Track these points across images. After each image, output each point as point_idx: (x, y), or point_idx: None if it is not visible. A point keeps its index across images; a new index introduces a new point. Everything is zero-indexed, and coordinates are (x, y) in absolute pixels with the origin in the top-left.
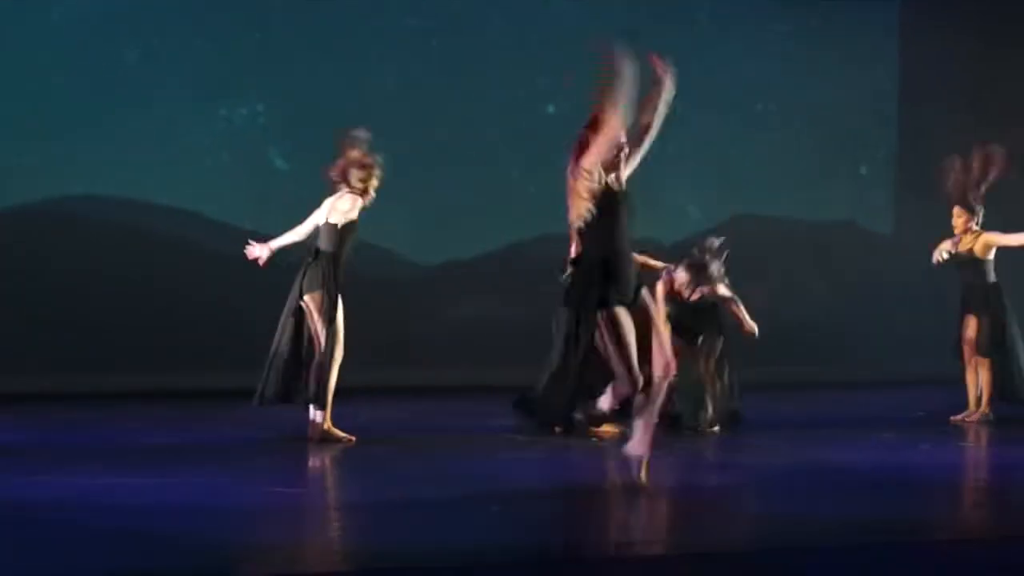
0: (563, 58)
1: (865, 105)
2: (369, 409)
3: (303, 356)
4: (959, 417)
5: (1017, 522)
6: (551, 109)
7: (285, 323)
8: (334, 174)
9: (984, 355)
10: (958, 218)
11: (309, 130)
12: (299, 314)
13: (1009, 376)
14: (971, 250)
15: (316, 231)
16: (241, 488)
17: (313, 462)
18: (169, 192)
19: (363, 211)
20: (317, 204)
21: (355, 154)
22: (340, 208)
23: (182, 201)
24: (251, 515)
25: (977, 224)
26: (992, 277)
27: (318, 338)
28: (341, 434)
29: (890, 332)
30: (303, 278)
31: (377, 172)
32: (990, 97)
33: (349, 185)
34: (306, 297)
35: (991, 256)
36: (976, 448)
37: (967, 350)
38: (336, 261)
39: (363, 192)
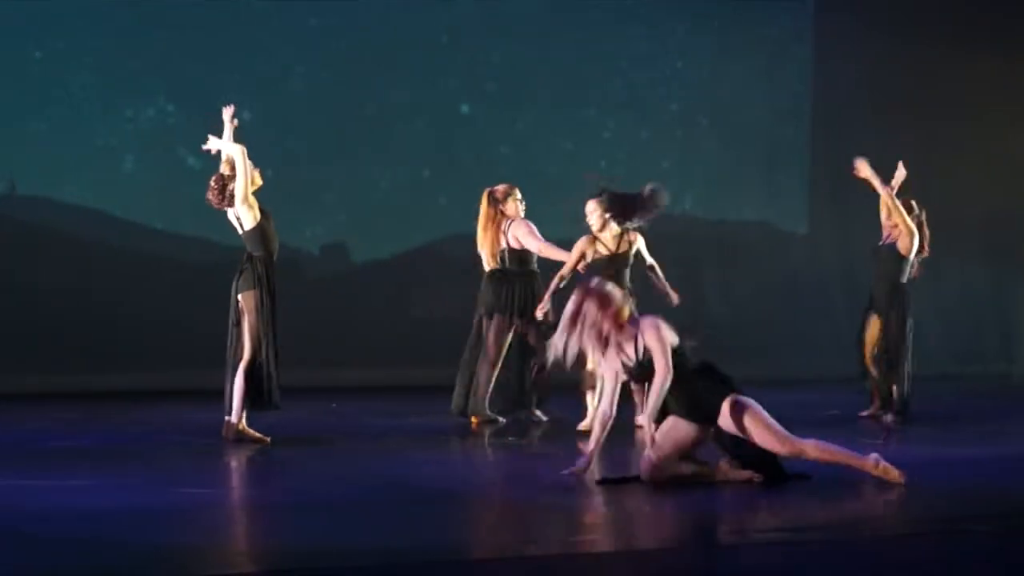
0: (472, 59)
1: (778, 105)
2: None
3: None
4: (867, 413)
5: (929, 517)
6: (465, 109)
7: (232, 332)
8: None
9: (883, 356)
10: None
11: (221, 129)
12: (239, 318)
13: (899, 381)
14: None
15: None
16: (150, 489)
17: (225, 463)
18: (79, 192)
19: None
20: None
21: (228, 170)
22: (247, 216)
23: (92, 201)
24: (159, 516)
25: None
26: (904, 278)
27: (251, 338)
28: (256, 435)
29: (805, 331)
30: (238, 280)
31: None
32: (901, 96)
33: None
34: (240, 296)
35: (911, 256)
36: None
37: (868, 349)
38: (268, 263)
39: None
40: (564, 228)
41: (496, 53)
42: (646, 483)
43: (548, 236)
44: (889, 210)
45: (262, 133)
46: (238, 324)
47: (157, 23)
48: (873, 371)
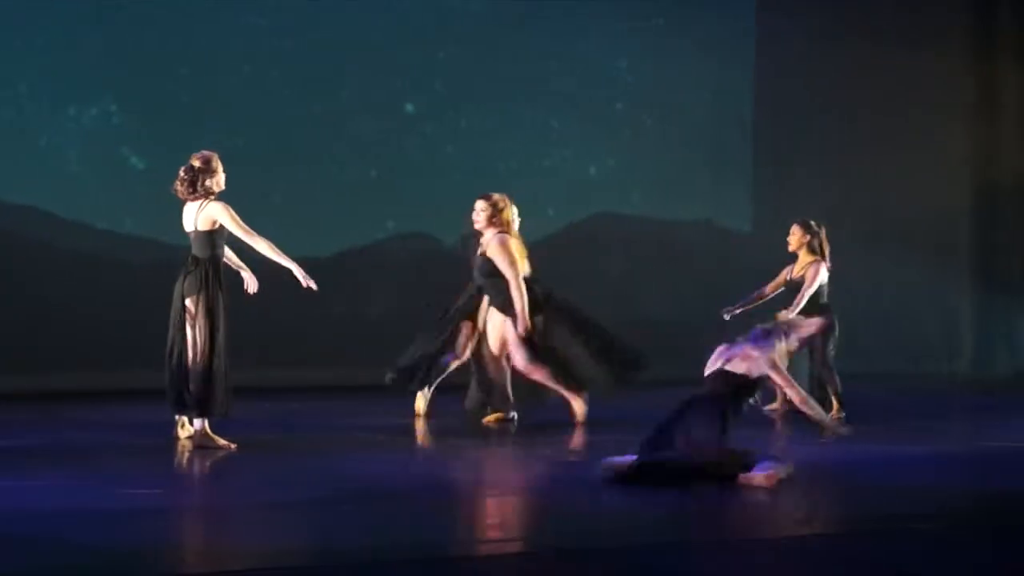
0: (417, 58)
1: (722, 104)
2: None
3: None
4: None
5: (870, 515)
6: (410, 108)
7: (175, 336)
8: (184, 188)
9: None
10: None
11: (165, 129)
12: (183, 322)
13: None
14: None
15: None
16: (94, 490)
17: (170, 464)
18: (21, 192)
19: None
20: (175, 202)
21: (198, 163)
22: (211, 215)
23: (35, 200)
24: (104, 517)
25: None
26: (824, 299)
27: (200, 343)
28: (221, 441)
29: (750, 329)
30: (183, 283)
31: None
32: (844, 96)
33: (208, 193)
34: (187, 301)
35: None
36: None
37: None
38: (216, 265)
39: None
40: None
41: (441, 52)
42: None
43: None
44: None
45: (206, 132)
46: (182, 328)
47: (101, 22)
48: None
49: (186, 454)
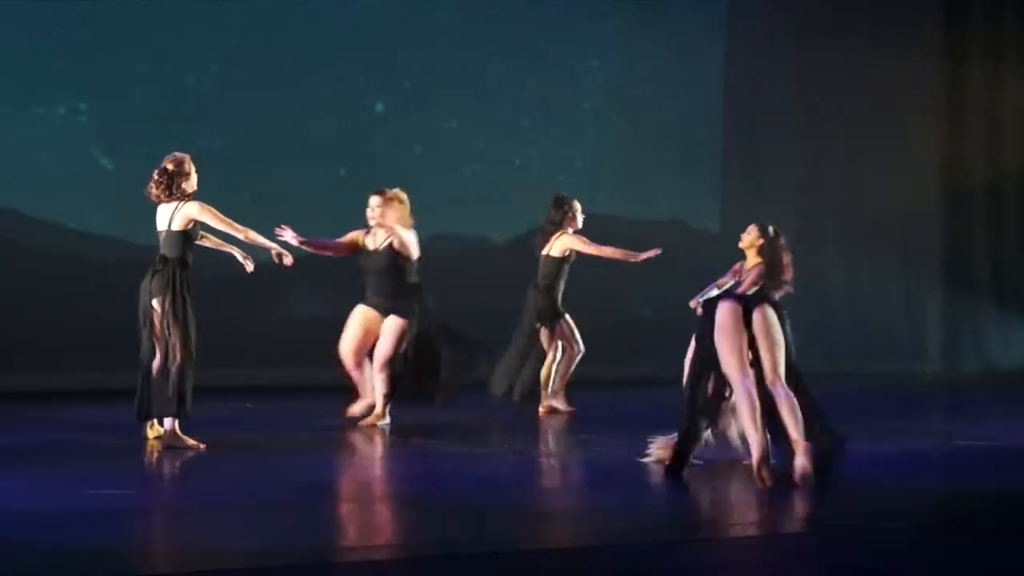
0: (387, 57)
1: (691, 104)
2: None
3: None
4: None
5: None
6: (379, 108)
7: (147, 336)
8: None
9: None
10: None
11: (133, 128)
12: (152, 323)
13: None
14: None
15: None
16: (60, 490)
17: (136, 464)
18: None
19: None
20: (143, 201)
21: (171, 166)
22: (190, 215)
23: (3, 200)
24: (70, 517)
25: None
26: None
27: (166, 345)
28: (191, 441)
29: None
30: (150, 282)
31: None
32: (813, 95)
33: (184, 195)
34: (154, 301)
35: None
36: None
37: None
38: (184, 266)
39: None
40: (481, 226)
41: (410, 51)
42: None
43: (466, 233)
44: None
45: (174, 132)
46: (152, 329)
47: (70, 20)
48: None
49: (155, 454)
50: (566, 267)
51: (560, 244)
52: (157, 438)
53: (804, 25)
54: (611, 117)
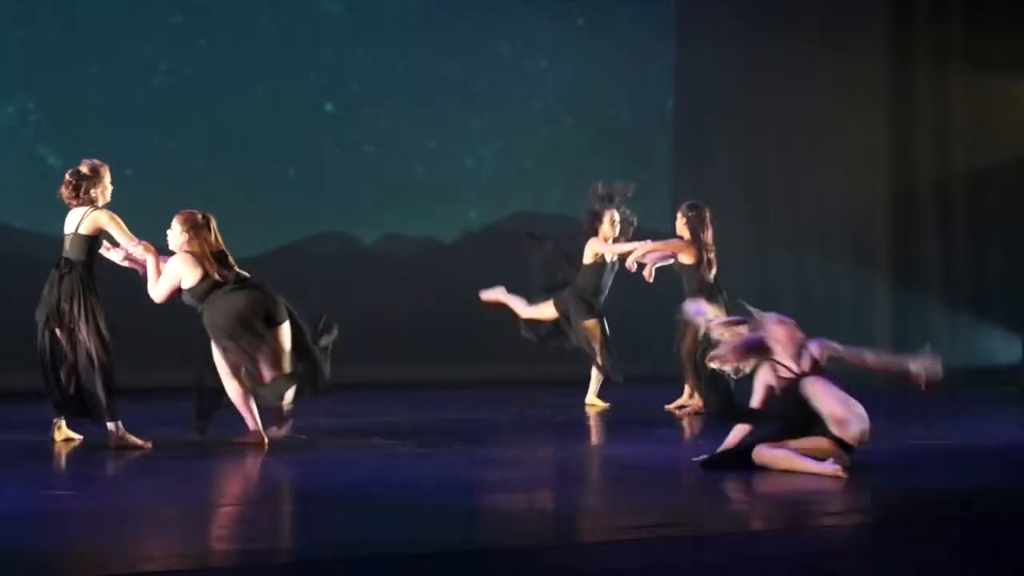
0: (337, 57)
1: (642, 104)
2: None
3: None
4: (672, 406)
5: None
6: (329, 108)
7: (51, 339)
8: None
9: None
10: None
11: (83, 127)
12: (57, 325)
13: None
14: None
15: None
16: (19, 492)
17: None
18: None
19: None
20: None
21: (85, 169)
22: (98, 223)
23: None
24: (29, 519)
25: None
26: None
27: (86, 349)
28: (137, 441)
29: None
30: (58, 287)
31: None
32: (763, 96)
33: (91, 201)
34: (64, 305)
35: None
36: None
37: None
38: (89, 269)
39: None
40: (431, 226)
41: (359, 51)
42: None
43: (416, 234)
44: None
45: (124, 131)
46: (67, 331)
47: (17, 20)
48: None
49: (105, 455)
50: (603, 270)
51: (589, 250)
52: (66, 440)
53: (753, 24)
54: (562, 117)
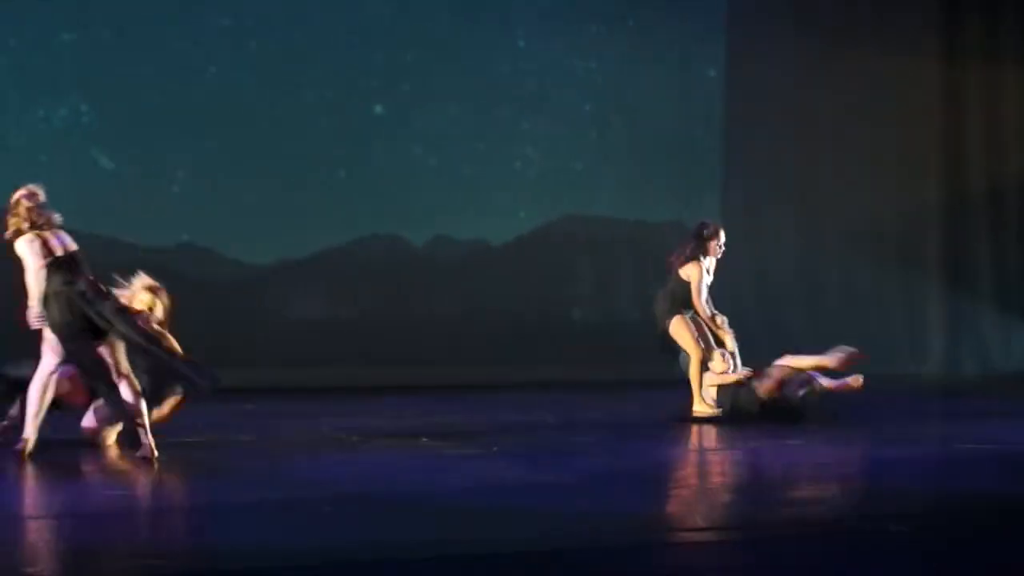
0: (386, 59)
1: (691, 105)
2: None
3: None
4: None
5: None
6: (379, 110)
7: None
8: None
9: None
10: None
11: (134, 129)
12: None
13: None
14: None
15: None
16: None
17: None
18: None
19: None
20: (143, 203)
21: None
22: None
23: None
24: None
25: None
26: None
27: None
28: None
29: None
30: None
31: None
32: (812, 99)
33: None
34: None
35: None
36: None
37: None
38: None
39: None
40: (481, 228)
41: (409, 54)
42: None
43: (466, 236)
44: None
45: (175, 134)
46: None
47: (70, 22)
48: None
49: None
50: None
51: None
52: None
53: (804, 28)
54: (611, 119)
